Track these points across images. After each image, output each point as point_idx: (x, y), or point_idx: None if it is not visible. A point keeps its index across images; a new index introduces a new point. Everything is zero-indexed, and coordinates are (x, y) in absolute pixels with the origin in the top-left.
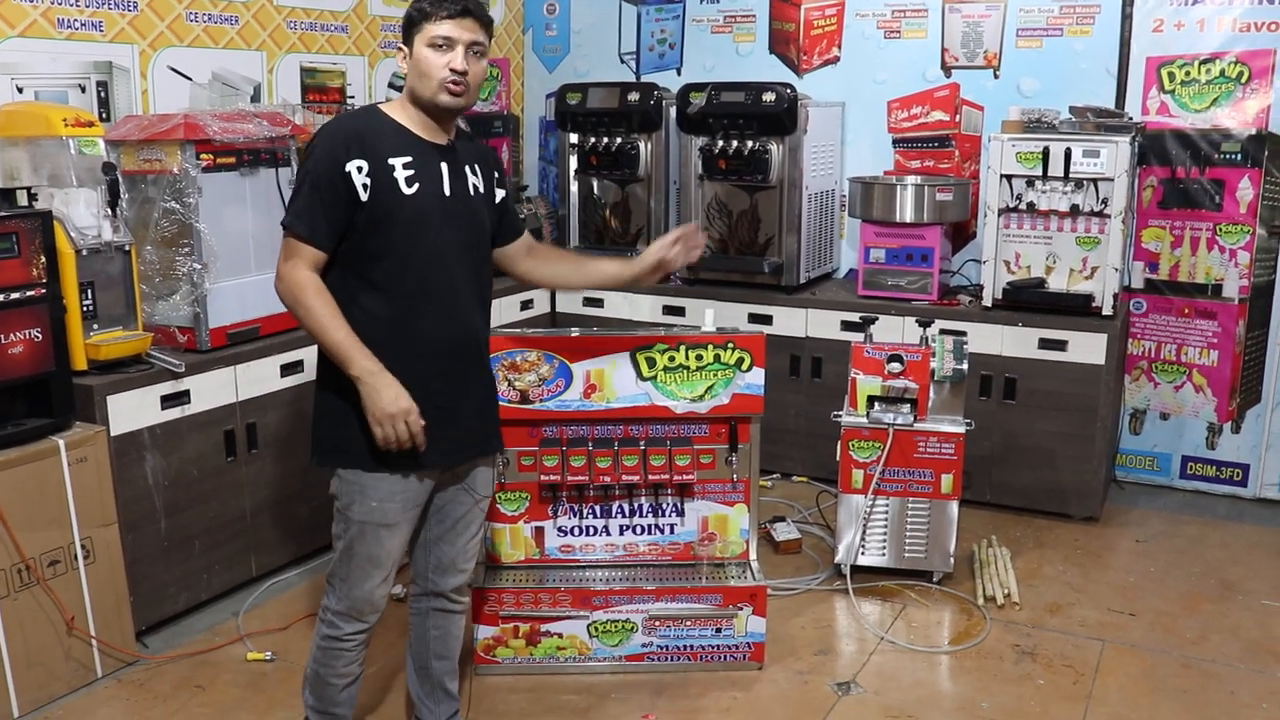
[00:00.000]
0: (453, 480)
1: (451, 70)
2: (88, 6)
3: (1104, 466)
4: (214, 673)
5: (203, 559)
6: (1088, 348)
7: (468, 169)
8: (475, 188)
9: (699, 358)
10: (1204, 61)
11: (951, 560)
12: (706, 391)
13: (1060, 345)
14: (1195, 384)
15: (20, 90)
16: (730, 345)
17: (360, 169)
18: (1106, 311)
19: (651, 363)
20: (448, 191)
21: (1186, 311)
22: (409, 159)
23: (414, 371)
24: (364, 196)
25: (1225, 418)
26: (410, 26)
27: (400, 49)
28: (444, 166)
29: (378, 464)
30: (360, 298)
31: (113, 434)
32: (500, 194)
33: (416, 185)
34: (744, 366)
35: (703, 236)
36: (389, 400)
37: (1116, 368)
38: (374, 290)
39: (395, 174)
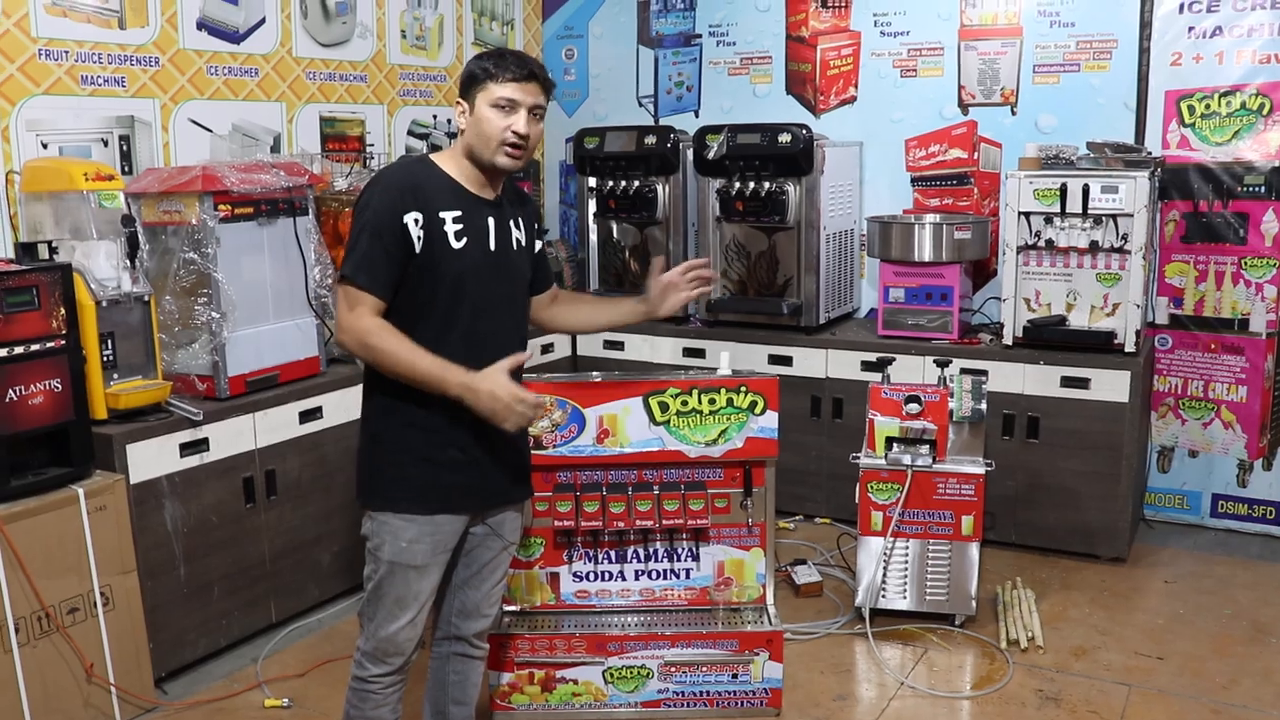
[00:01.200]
0: (481, 525)
1: (514, 133)
2: (110, 63)
3: (1131, 505)
4: None
5: (222, 605)
6: (1111, 385)
7: (512, 223)
8: (518, 241)
9: (712, 402)
10: (1224, 94)
11: (974, 603)
12: (720, 435)
13: (1083, 383)
14: (1224, 420)
15: (45, 146)
16: (743, 389)
17: (416, 221)
18: (1129, 348)
19: (664, 407)
20: (493, 246)
21: (1213, 347)
22: (459, 213)
23: (452, 419)
24: (417, 249)
25: (1256, 454)
26: (473, 83)
27: (460, 103)
28: (491, 221)
29: (408, 506)
30: None
31: (132, 482)
32: (538, 245)
33: (465, 240)
34: (757, 410)
35: (713, 272)
36: (488, 402)
37: (1141, 405)
38: (420, 343)
39: (445, 228)
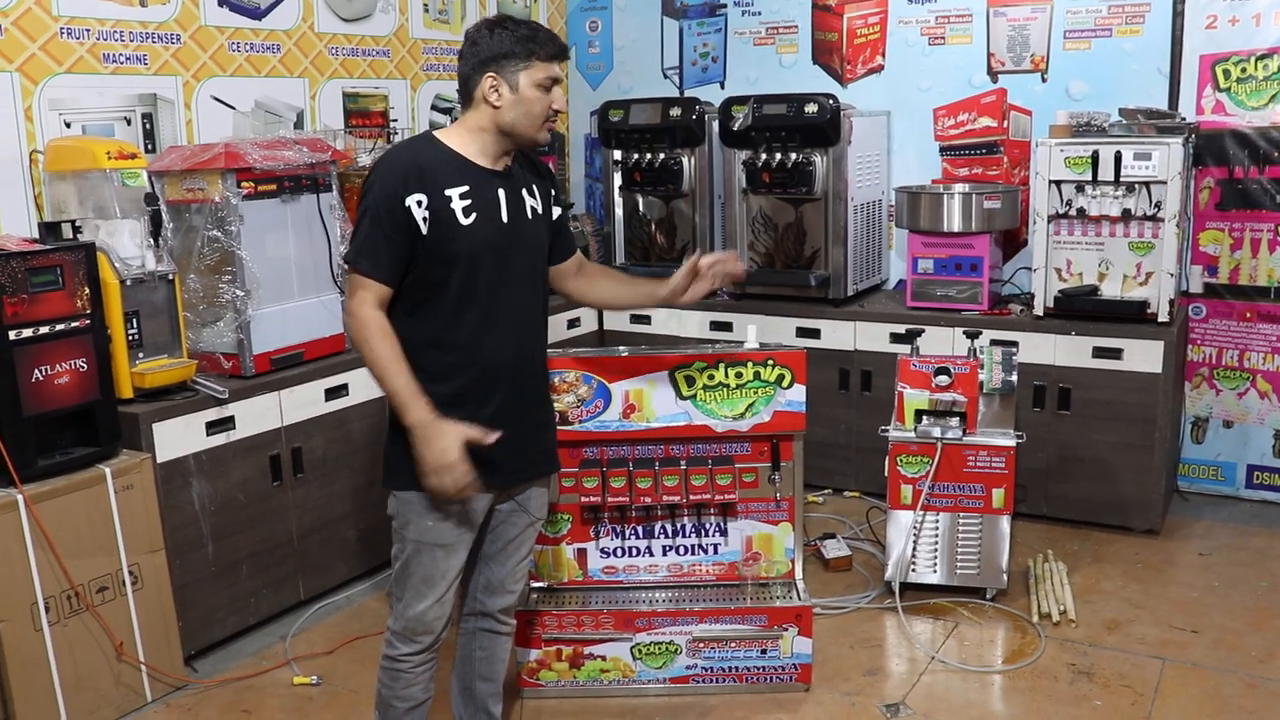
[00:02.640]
0: (508, 501)
1: (554, 110)
2: (132, 41)
3: (1164, 477)
4: (260, 697)
5: (250, 583)
6: (1144, 355)
7: (525, 191)
8: (533, 209)
9: (739, 375)
10: (1260, 57)
11: (1005, 576)
12: (747, 409)
13: (1115, 354)
14: (1259, 390)
15: (68, 125)
16: (770, 362)
17: (420, 203)
18: (1162, 318)
19: (690, 381)
20: (505, 218)
21: (1248, 315)
22: (466, 188)
23: (476, 397)
24: (424, 230)
25: None
26: (510, 59)
27: (492, 76)
28: (501, 193)
29: None
30: (421, 328)
31: (159, 461)
32: (556, 212)
33: (474, 215)
34: (784, 383)
35: (741, 265)
36: (436, 453)
37: (1175, 375)
38: (435, 321)
39: (453, 205)
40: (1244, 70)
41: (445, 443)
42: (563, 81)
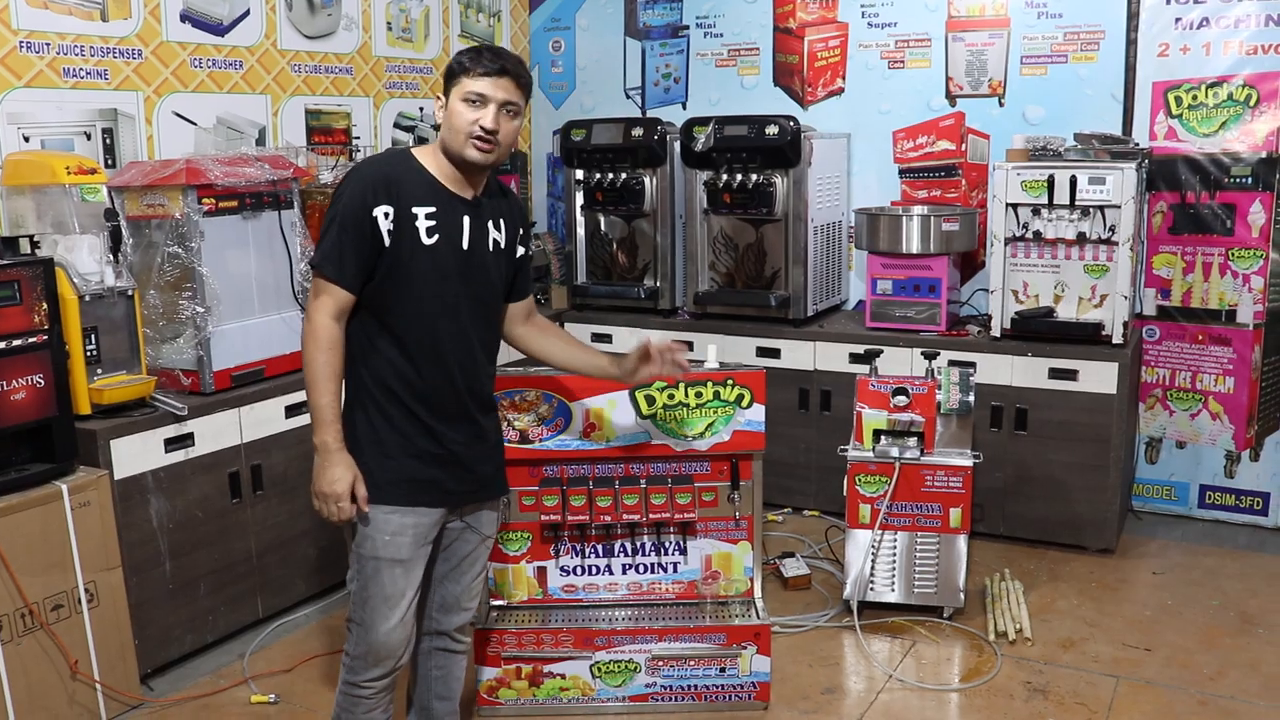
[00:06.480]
0: (459, 520)
1: (481, 127)
2: (93, 55)
3: (1119, 497)
4: (218, 716)
5: (208, 601)
6: (1099, 377)
7: (491, 223)
8: (496, 242)
9: (698, 395)
10: (1211, 85)
11: (962, 595)
12: (707, 429)
13: (1071, 375)
14: (1211, 411)
15: (27, 139)
16: (730, 382)
17: (386, 214)
18: (1117, 340)
19: (651, 401)
20: (466, 245)
21: (1200, 338)
22: (432, 209)
23: (424, 416)
24: (387, 242)
25: (1243, 445)
26: (450, 78)
27: (439, 98)
28: (466, 220)
29: (386, 496)
30: (377, 342)
31: (116, 478)
32: (520, 251)
33: (436, 236)
34: (744, 403)
35: (686, 365)
36: (327, 481)
37: (1129, 396)
38: (389, 336)
39: (417, 223)
40: (1195, 97)
41: (338, 474)
42: (501, 102)
